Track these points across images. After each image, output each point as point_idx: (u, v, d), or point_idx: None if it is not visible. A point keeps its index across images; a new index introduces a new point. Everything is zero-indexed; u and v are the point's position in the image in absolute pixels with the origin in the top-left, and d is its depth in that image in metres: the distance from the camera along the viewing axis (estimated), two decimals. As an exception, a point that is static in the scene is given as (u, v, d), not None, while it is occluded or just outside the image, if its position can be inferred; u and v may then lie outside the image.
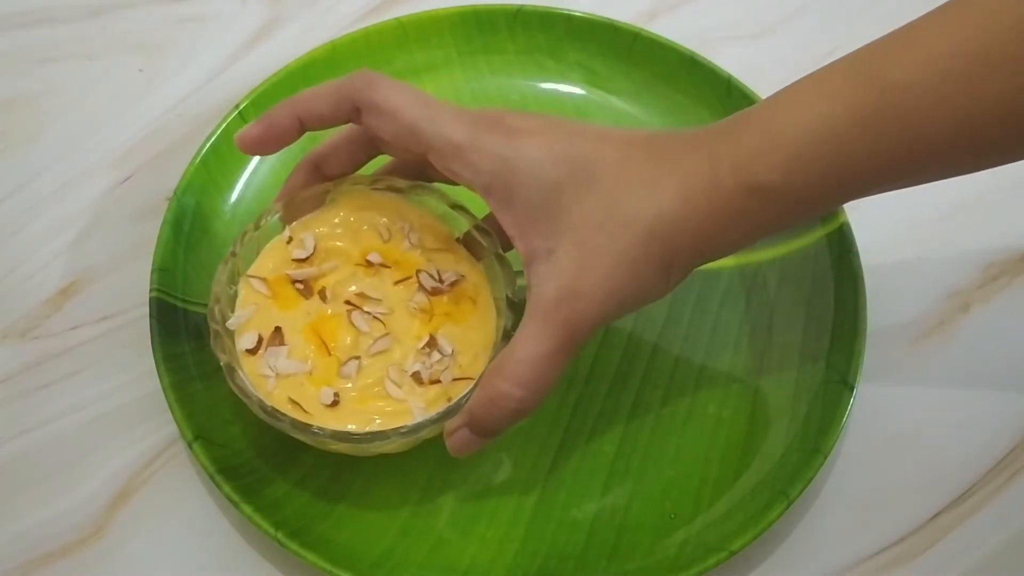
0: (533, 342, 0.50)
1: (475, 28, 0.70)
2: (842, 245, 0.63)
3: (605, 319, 0.50)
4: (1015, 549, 0.59)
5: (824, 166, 0.48)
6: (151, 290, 0.60)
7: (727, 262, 0.64)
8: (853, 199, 0.52)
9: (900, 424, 0.62)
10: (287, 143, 0.56)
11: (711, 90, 0.68)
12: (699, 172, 0.49)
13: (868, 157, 0.48)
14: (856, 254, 0.63)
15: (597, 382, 0.61)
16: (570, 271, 0.49)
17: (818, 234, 0.64)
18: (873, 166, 0.48)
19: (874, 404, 0.61)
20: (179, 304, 0.60)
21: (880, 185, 0.50)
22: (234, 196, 0.65)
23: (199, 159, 0.64)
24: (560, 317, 0.49)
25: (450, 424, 0.52)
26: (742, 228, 0.50)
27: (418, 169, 0.58)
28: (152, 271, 0.60)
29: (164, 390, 0.57)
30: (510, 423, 0.51)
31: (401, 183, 0.59)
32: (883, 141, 0.47)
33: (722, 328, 0.63)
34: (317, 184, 0.58)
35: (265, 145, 0.56)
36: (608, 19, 0.70)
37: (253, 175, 0.65)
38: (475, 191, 0.53)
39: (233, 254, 0.56)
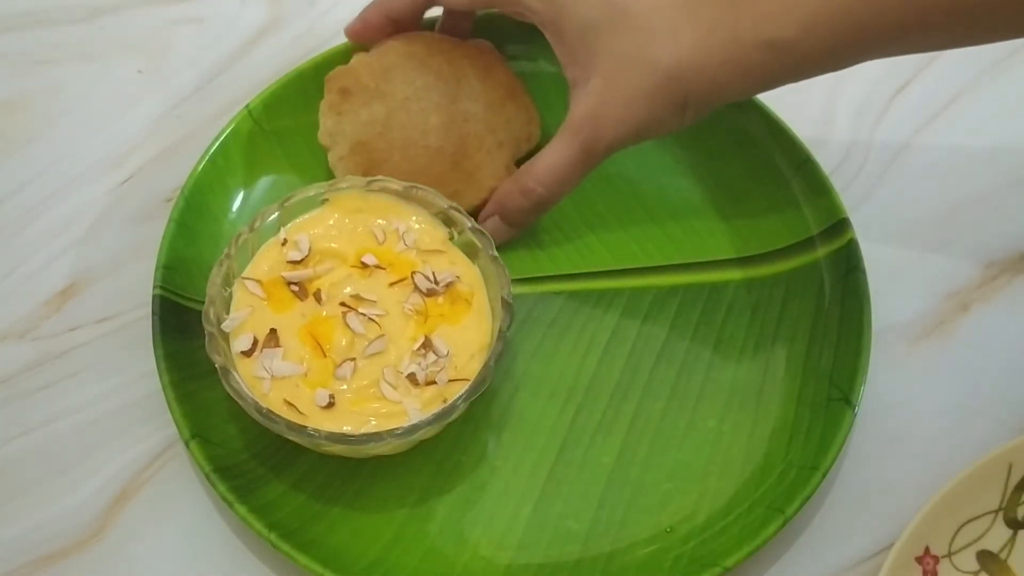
0: (557, 152, 0.60)
1: (487, 34, 0.69)
2: (849, 262, 0.63)
3: (619, 143, 0.59)
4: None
5: (836, 26, 0.54)
6: (154, 287, 0.60)
7: (734, 275, 0.64)
8: (863, 60, 0.57)
9: (900, 424, 0.61)
10: (382, 37, 0.64)
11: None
12: (722, 25, 0.56)
13: (874, 21, 0.54)
14: (863, 271, 0.62)
15: (598, 392, 0.61)
16: (596, 98, 0.58)
17: (825, 250, 0.64)
18: (879, 29, 0.54)
19: (874, 404, 0.61)
20: (182, 302, 0.60)
21: (887, 48, 0.57)
22: (241, 195, 0.65)
23: (208, 158, 0.64)
24: (582, 135, 0.58)
25: (484, 212, 0.63)
26: (754, 78, 0.57)
27: (467, 21, 0.66)
28: (156, 268, 0.60)
29: (163, 388, 0.57)
30: (533, 215, 0.62)
31: (396, 184, 0.59)
32: (889, 9, 0.54)
33: (726, 341, 0.63)
34: (386, 34, 0.64)
35: (362, 39, 0.65)
36: None
37: (260, 175, 0.65)
38: (536, 25, 0.60)
39: (228, 256, 0.57)
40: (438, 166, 0.63)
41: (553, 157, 0.60)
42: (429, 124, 0.63)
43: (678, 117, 0.58)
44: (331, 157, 0.63)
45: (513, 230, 0.63)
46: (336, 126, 0.63)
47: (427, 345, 0.56)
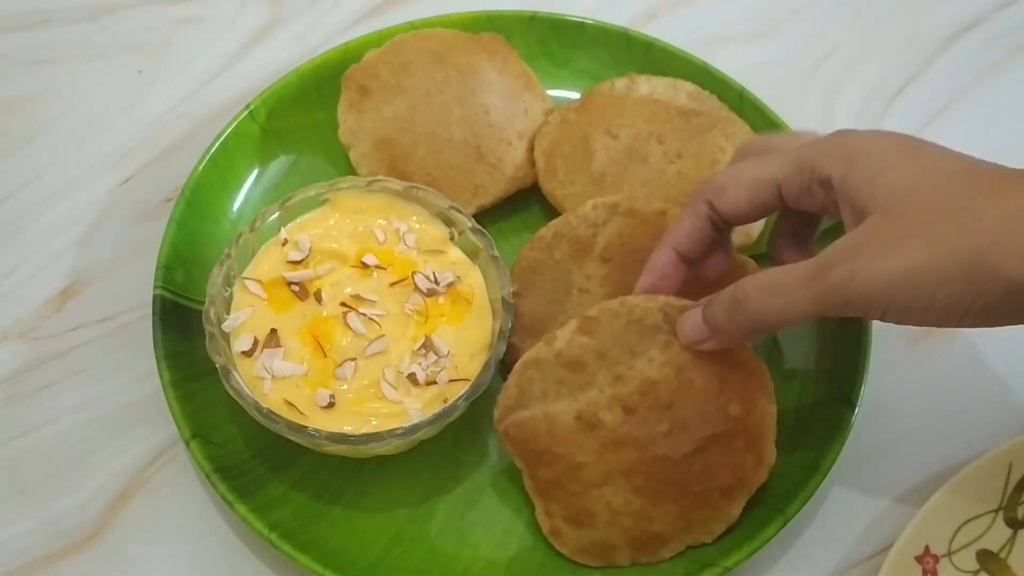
0: (788, 266, 0.50)
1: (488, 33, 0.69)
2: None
3: (864, 274, 0.47)
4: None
5: None
6: (155, 287, 0.60)
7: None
8: None
9: (900, 424, 0.62)
10: (678, 282, 0.56)
11: (723, 101, 0.67)
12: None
13: None
14: None
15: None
16: (864, 229, 0.48)
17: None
18: None
19: (874, 404, 0.61)
20: (182, 302, 0.60)
21: None
22: (241, 196, 0.65)
23: (208, 158, 0.64)
24: (823, 257, 0.49)
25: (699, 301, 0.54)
26: None
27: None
28: (157, 268, 0.60)
29: (164, 388, 0.57)
30: (730, 319, 0.51)
31: (396, 184, 0.59)
32: None
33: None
34: (680, 272, 0.56)
35: (658, 290, 0.56)
36: (622, 28, 0.69)
37: (261, 175, 0.66)
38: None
39: (228, 256, 0.57)
40: (463, 159, 0.63)
41: (781, 268, 0.50)
42: (452, 117, 0.63)
43: (967, 293, 0.45)
44: (353, 155, 0.63)
45: (707, 332, 0.53)
46: (358, 123, 0.63)
47: (428, 345, 0.56)
